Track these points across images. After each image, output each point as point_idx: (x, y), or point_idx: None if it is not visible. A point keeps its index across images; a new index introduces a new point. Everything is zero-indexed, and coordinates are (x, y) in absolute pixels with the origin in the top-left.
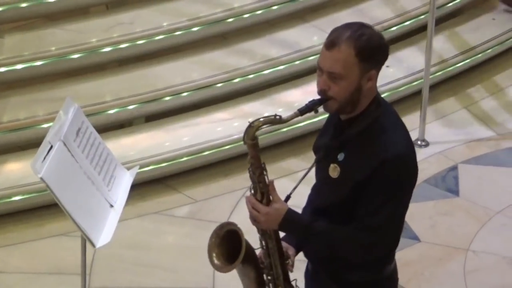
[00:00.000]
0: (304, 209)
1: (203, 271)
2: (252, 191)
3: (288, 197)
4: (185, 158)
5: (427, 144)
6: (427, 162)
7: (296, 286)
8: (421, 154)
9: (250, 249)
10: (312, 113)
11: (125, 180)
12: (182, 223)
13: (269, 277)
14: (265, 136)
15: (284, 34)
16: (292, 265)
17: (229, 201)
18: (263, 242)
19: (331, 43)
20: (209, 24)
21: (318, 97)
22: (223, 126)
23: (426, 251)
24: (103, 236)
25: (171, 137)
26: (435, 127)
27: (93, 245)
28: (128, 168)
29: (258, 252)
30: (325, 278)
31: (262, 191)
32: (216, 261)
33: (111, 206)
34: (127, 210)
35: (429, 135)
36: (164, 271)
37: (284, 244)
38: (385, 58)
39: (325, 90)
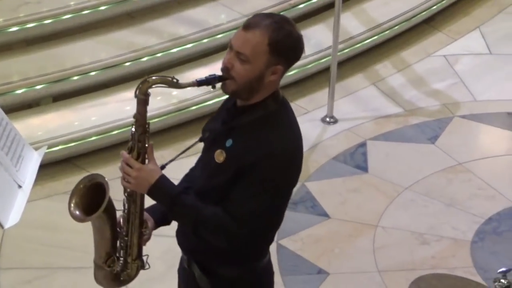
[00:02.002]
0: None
1: None
2: (128, 149)
3: (163, 167)
4: (93, 138)
5: (335, 121)
6: (336, 139)
7: (146, 262)
8: (329, 131)
9: (111, 207)
10: (221, 91)
11: (33, 161)
12: None
13: (122, 243)
14: (173, 115)
15: (192, 12)
16: (148, 238)
17: None
18: (127, 206)
19: (249, 25)
20: (116, 3)
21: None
22: (132, 106)
23: (336, 227)
24: (11, 217)
25: (79, 117)
26: (344, 103)
27: (1, 226)
28: (36, 149)
29: (119, 216)
30: (199, 273)
31: (140, 151)
32: (73, 209)
33: (20, 186)
34: (36, 191)
35: (337, 112)
36: (74, 251)
37: (145, 215)
38: (296, 59)
39: (228, 68)
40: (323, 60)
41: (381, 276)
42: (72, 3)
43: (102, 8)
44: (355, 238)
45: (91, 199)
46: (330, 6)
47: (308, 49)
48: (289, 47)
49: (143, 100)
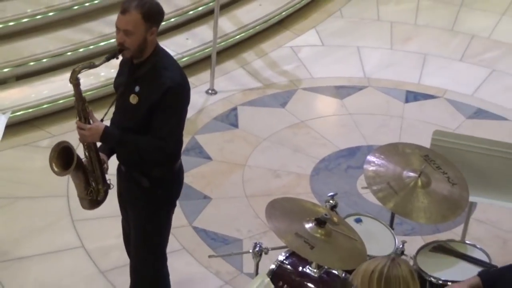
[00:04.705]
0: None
1: (60, 184)
2: (78, 118)
3: (102, 120)
4: (45, 106)
5: (215, 93)
6: (215, 105)
7: (110, 183)
8: (211, 99)
9: (79, 159)
10: None
11: (0, 121)
12: (44, 151)
13: (91, 178)
14: (102, 89)
15: (114, 17)
16: (107, 168)
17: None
18: (87, 154)
19: (124, 9)
20: (61, 10)
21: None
22: None
23: (216, 167)
24: None
25: (35, 91)
26: (221, 81)
27: None
28: (3, 113)
29: (84, 161)
30: (137, 174)
31: (85, 117)
32: (55, 169)
33: None
34: (3, 143)
35: (217, 86)
36: (30, 185)
37: (100, 154)
38: (162, 18)
39: (121, 43)
40: (206, 50)
41: (248, 200)
42: (29, 10)
43: (51, 14)
44: (229, 174)
45: (63, 158)
46: (211, 13)
47: (195, 43)
48: (156, 13)
49: (75, 84)
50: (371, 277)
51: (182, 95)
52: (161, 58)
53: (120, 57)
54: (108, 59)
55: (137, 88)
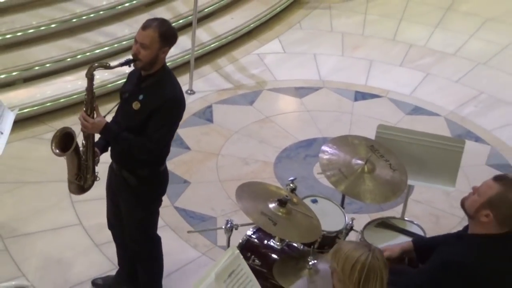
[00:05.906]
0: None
1: (61, 172)
2: (84, 109)
3: (104, 116)
4: (48, 104)
5: (193, 93)
6: (194, 103)
7: (97, 175)
8: (190, 98)
9: (77, 146)
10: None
11: (10, 117)
12: (48, 143)
13: (83, 166)
14: (97, 89)
15: (107, 28)
16: (98, 161)
17: (77, 129)
18: (84, 143)
19: (145, 26)
20: (62, 22)
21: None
22: (71, 84)
23: (194, 156)
24: None
25: (39, 91)
26: (199, 82)
27: None
28: (12, 110)
29: (81, 150)
30: (126, 173)
31: (91, 109)
32: (54, 149)
33: (1, 133)
34: (11, 136)
35: (195, 87)
36: (36, 172)
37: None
38: (175, 41)
39: (136, 54)
40: (186, 57)
41: (221, 183)
42: (34, 22)
43: (53, 25)
44: (205, 162)
45: (63, 142)
46: (189, 25)
47: (176, 50)
48: (171, 36)
49: (90, 79)
50: (354, 267)
51: (178, 108)
52: (166, 75)
53: (132, 67)
54: (122, 65)
55: (141, 97)
